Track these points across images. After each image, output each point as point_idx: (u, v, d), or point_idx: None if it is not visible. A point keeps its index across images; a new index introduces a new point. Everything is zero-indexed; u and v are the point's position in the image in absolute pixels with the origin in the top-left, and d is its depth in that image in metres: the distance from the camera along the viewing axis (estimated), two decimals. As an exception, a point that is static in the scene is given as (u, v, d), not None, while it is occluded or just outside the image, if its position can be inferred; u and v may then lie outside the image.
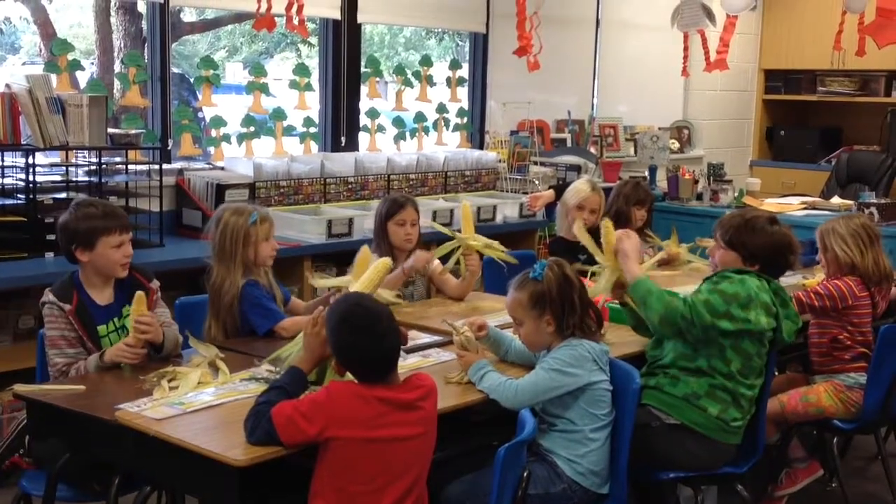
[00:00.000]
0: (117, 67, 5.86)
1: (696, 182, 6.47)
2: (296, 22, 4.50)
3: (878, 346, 3.44)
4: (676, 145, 7.41)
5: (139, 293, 2.73)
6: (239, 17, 7.20)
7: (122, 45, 7.15)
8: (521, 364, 2.93)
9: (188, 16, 8.37)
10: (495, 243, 3.76)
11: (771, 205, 6.22)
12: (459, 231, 3.77)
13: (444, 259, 3.77)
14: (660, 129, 7.18)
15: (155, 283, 2.99)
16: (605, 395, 2.74)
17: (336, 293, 2.97)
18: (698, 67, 7.03)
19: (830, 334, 3.54)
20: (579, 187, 4.26)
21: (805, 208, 6.11)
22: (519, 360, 2.95)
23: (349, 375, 2.35)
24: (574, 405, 2.72)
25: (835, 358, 3.54)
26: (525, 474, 2.37)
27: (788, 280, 3.85)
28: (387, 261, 2.89)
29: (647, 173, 6.65)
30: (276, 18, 4.58)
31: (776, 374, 3.57)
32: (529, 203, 5.27)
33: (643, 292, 2.99)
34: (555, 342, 2.76)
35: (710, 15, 5.53)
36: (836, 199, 6.28)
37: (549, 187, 5.33)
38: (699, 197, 6.41)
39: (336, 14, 5.34)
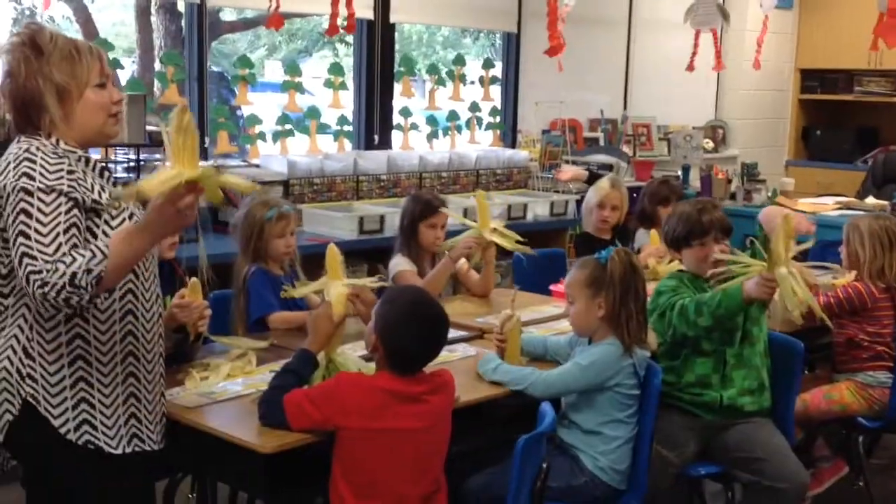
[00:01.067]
0: (157, 66, 5.97)
1: (730, 182, 6.47)
2: (342, 22, 4.60)
3: (905, 345, 3.45)
4: (711, 145, 7.40)
5: (194, 280, 2.71)
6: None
7: (163, 44, 7.30)
8: (556, 361, 2.94)
9: (228, 15, 8.51)
10: (511, 233, 3.73)
11: (805, 205, 6.20)
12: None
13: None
14: (693, 128, 7.18)
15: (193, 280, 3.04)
16: (632, 399, 2.77)
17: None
18: (733, 67, 7.06)
19: (846, 335, 3.56)
20: (600, 185, 4.32)
21: (839, 208, 6.08)
22: (555, 356, 2.96)
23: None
24: (597, 404, 2.75)
25: (852, 357, 3.56)
26: (544, 466, 2.41)
27: (820, 279, 3.87)
28: (332, 247, 2.85)
29: (679, 173, 6.66)
30: (316, 17, 4.67)
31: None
32: (557, 174, 5.25)
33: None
34: (601, 330, 2.77)
35: (724, 14, 5.54)
36: (870, 200, 6.24)
37: (587, 169, 5.35)
38: (732, 196, 6.40)
39: (370, 14, 5.41)
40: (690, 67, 6.00)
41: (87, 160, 2.12)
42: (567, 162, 6.13)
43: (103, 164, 2.17)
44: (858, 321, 3.54)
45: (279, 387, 2.33)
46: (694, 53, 5.92)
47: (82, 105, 2.10)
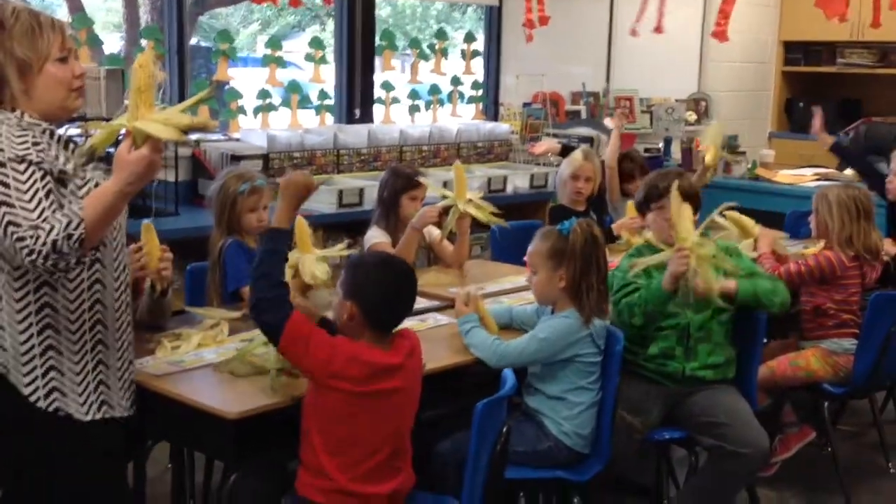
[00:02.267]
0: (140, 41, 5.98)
1: (711, 153, 6.50)
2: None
3: (869, 312, 3.52)
4: (694, 117, 7.43)
5: (146, 222, 2.73)
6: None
7: (150, 19, 7.30)
8: (523, 329, 3.01)
9: (219, -12, 8.49)
10: (487, 204, 3.76)
11: (784, 176, 6.26)
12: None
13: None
14: (676, 101, 7.21)
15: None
16: (593, 367, 2.84)
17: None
18: (714, 39, 7.07)
19: (814, 303, 3.63)
20: (574, 157, 4.35)
21: (818, 179, 6.14)
22: (522, 325, 3.04)
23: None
24: (560, 373, 2.82)
25: (819, 325, 3.63)
26: (504, 430, 2.47)
27: (791, 249, 3.93)
28: (301, 220, 2.91)
29: (661, 145, 6.70)
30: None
31: (767, 341, 3.67)
32: (530, 148, 5.30)
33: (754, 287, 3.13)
34: (562, 301, 2.83)
35: None
36: (849, 171, 6.28)
37: (560, 142, 5.39)
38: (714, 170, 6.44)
39: (351, -12, 5.44)
40: (659, 29, 5.98)
41: (52, 133, 2.16)
42: (548, 135, 6.16)
43: (68, 137, 2.21)
44: (827, 290, 3.61)
45: (283, 298, 2.30)
46: (638, 18, 5.90)
47: (43, 79, 2.14)
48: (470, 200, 3.72)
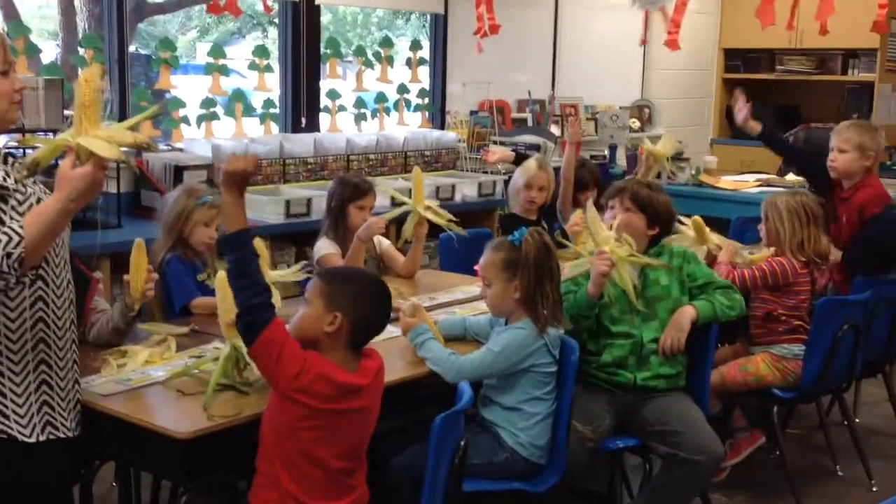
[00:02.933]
0: (79, 50, 5.86)
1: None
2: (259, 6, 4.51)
3: (816, 318, 3.56)
4: (637, 124, 7.50)
5: (139, 241, 2.69)
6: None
7: (87, 27, 7.16)
8: (477, 341, 3.00)
9: (157, -4, 8.36)
10: (444, 211, 3.76)
11: (727, 182, 6.34)
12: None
13: (397, 225, 3.81)
14: (620, 108, 7.28)
15: (98, 275, 3.01)
16: (549, 377, 2.83)
17: None
18: (657, 47, 7.16)
19: (765, 309, 3.66)
20: (528, 165, 4.35)
21: (760, 185, 6.23)
22: (476, 336, 3.02)
23: None
24: (516, 384, 2.80)
25: (769, 330, 3.66)
26: (462, 443, 2.45)
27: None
28: (259, 241, 2.86)
29: (606, 152, 6.75)
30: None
31: (719, 346, 3.70)
32: (484, 156, 5.28)
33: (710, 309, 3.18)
34: (517, 311, 2.81)
35: None
36: (790, 176, 6.39)
37: (513, 150, 5.38)
38: (658, 175, 6.49)
39: (295, -5, 5.38)
40: (643, 41, 6.04)
41: None
42: (495, 143, 6.16)
43: (7, 151, 2.15)
44: (778, 296, 3.64)
45: (265, 305, 2.24)
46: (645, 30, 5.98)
47: None
48: (428, 207, 3.70)
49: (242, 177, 2.30)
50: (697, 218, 3.65)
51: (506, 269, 2.79)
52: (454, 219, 3.74)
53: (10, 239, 1.92)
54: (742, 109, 4.62)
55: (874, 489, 3.89)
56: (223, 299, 2.51)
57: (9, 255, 1.91)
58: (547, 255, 2.80)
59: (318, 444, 2.26)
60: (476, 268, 3.94)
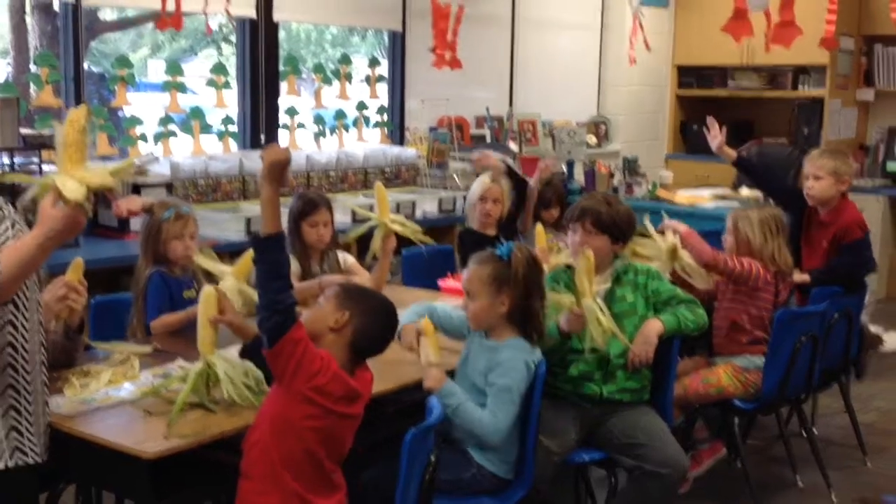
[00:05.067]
0: (32, 68, 5.80)
1: (612, 176, 6.66)
2: (217, 23, 4.50)
3: (775, 329, 3.61)
4: (594, 140, 7.57)
5: (77, 259, 2.61)
6: (160, 16, 7.17)
7: (39, 45, 7.07)
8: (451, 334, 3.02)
9: (108, 14, 8.30)
10: (411, 223, 3.76)
11: (683, 196, 6.43)
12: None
13: (362, 242, 3.80)
14: (577, 124, 7.34)
15: None
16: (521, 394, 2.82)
17: None
18: (612, 64, 7.26)
19: (731, 318, 3.70)
20: (481, 179, 4.41)
21: (715, 199, 6.32)
22: (451, 330, 3.04)
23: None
24: (485, 400, 2.79)
25: (733, 341, 3.71)
26: (433, 458, 2.45)
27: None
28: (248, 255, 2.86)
29: (564, 168, 6.80)
30: (201, 16, 4.55)
31: (681, 358, 3.73)
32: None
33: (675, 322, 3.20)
34: (501, 326, 2.81)
35: None
36: (745, 191, 6.49)
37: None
38: (615, 190, 6.58)
39: (252, 13, 5.36)
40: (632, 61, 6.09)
41: None
42: (454, 159, 6.19)
43: None
44: (743, 301, 3.68)
45: (292, 307, 2.24)
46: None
47: None
48: (394, 220, 3.70)
49: (284, 166, 2.28)
50: (673, 242, 3.62)
51: (493, 282, 2.78)
52: (420, 230, 3.73)
53: None
54: (717, 136, 4.69)
55: (833, 499, 3.94)
56: (205, 313, 2.50)
57: None
58: (535, 270, 2.82)
59: (318, 444, 2.29)
60: (440, 282, 3.99)
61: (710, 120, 4.79)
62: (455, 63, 5.17)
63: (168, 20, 4.52)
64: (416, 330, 2.94)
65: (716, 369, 3.70)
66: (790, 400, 3.93)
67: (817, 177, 4.21)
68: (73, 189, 1.92)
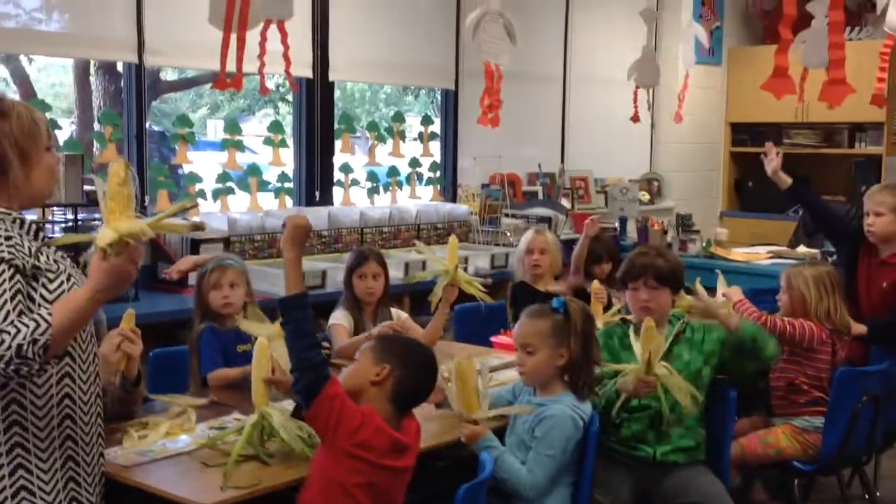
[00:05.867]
0: (96, 126, 5.97)
1: (666, 232, 6.61)
2: (273, 83, 4.58)
3: (835, 389, 3.54)
4: (647, 197, 7.56)
5: (129, 310, 2.67)
6: (218, 76, 7.36)
7: (102, 104, 7.29)
8: None
9: (168, 74, 8.54)
10: (476, 280, 3.79)
11: (738, 254, 6.36)
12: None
13: (416, 300, 3.83)
14: (630, 181, 7.33)
15: None
16: (574, 450, 2.81)
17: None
18: (666, 121, 7.26)
19: (787, 378, 3.64)
20: (526, 233, 4.49)
21: (771, 257, 6.25)
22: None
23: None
24: None
25: (791, 402, 3.64)
26: (485, 515, 2.44)
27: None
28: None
29: (617, 224, 6.78)
30: (244, 78, 4.66)
31: (737, 418, 3.66)
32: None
33: (756, 329, 3.20)
34: (554, 380, 2.81)
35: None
36: (802, 248, 6.42)
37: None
38: (668, 247, 6.53)
39: (308, 73, 5.48)
40: (635, 118, 6.13)
41: (22, 222, 2.13)
42: (507, 216, 6.21)
43: (38, 224, 2.18)
44: (798, 361, 3.62)
45: (324, 364, 2.30)
46: (635, 105, 6.08)
47: (41, 169, 2.15)
48: (460, 274, 3.74)
49: (305, 232, 2.41)
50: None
51: (554, 335, 2.79)
52: (484, 288, 3.75)
53: (38, 325, 1.93)
54: (773, 160, 4.61)
55: (898, 563, 3.82)
56: (258, 366, 2.53)
57: (35, 342, 1.91)
58: (591, 323, 2.85)
59: (368, 501, 2.29)
60: (492, 339, 3.99)
61: (768, 145, 4.74)
62: (495, 121, 5.22)
63: (227, 81, 4.61)
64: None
65: (774, 430, 3.63)
66: (851, 461, 3.83)
67: (878, 213, 4.09)
68: (106, 236, 1.94)
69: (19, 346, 1.90)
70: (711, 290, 3.85)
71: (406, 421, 2.40)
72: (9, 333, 1.91)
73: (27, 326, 1.92)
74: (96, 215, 4.45)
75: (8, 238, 2.04)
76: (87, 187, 4.37)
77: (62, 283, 2.11)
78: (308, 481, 2.34)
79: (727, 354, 3.19)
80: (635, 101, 6.07)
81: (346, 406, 2.26)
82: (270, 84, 5.44)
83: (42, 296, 2.06)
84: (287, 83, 4.81)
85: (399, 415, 2.39)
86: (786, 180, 4.61)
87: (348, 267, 3.83)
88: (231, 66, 4.33)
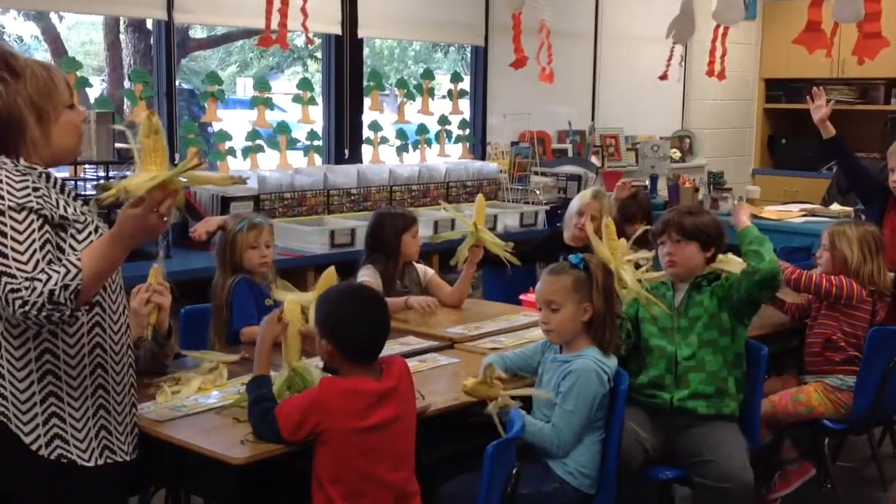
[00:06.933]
0: (126, 84, 5.98)
1: (697, 190, 6.55)
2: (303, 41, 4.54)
3: (867, 348, 3.51)
4: (678, 154, 7.49)
5: (155, 265, 2.73)
6: (248, 33, 7.35)
7: (132, 62, 7.31)
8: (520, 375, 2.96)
9: (198, 32, 8.54)
10: (500, 241, 3.80)
11: (770, 212, 6.29)
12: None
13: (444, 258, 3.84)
14: (661, 138, 7.27)
15: None
16: (602, 406, 2.81)
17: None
18: (698, 77, 7.15)
19: (825, 335, 3.60)
20: (583, 193, 4.39)
21: (804, 215, 6.18)
22: (519, 370, 2.98)
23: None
24: None
25: (826, 359, 3.61)
26: (514, 471, 2.44)
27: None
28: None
29: (647, 182, 6.73)
30: (289, 34, 4.62)
31: (767, 377, 3.64)
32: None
33: (758, 237, 3.11)
34: (580, 336, 2.81)
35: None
36: (835, 206, 6.34)
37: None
38: (700, 204, 6.47)
39: (337, 29, 5.45)
40: (664, 76, 6.02)
41: (48, 176, 2.15)
42: (536, 173, 6.18)
43: (62, 180, 2.20)
44: (837, 318, 3.59)
45: (260, 412, 2.36)
46: (668, 63, 5.96)
47: (60, 126, 2.16)
48: (485, 233, 3.76)
49: (278, 335, 2.57)
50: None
51: (577, 290, 2.79)
52: (509, 248, 3.76)
53: (69, 271, 1.95)
54: (821, 107, 4.52)
55: (928, 522, 3.81)
56: (290, 323, 2.56)
57: (66, 287, 1.94)
58: (611, 277, 2.86)
59: (371, 467, 2.31)
60: (521, 297, 3.98)
61: (817, 90, 4.64)
62: (522, 61, 5.14)
63: (274, 39, 4.57)
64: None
65: (806, 388, 3.61)
66: (883, 420, 3.81)
67: None
68: (136, 185, 1.96)
69: (51, 291, 1.93)
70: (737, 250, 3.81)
71: (385, 367, 2.39)
72: (40, 280, 1.94)
73: (58, 273, 1.95)
74: (127, 173, 4.46)
75: (35, 189, 2.06)
76: (117, 144, 4.39)
77: (90, 233, 2.14)
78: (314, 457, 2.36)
79: (735, 285, 3.14)
80: (670, 58, 5.96)
81: (307, 411, 2.29)
82: (300, 42, 5.41)
83: (71, 246, 2.09)
84: (318, 40, 4.79)
85: (367, 364, 2.38)
86: (830, 130, 4.52)
87: (399, 228, 3.76)
88: (274, 24, 4.33)
